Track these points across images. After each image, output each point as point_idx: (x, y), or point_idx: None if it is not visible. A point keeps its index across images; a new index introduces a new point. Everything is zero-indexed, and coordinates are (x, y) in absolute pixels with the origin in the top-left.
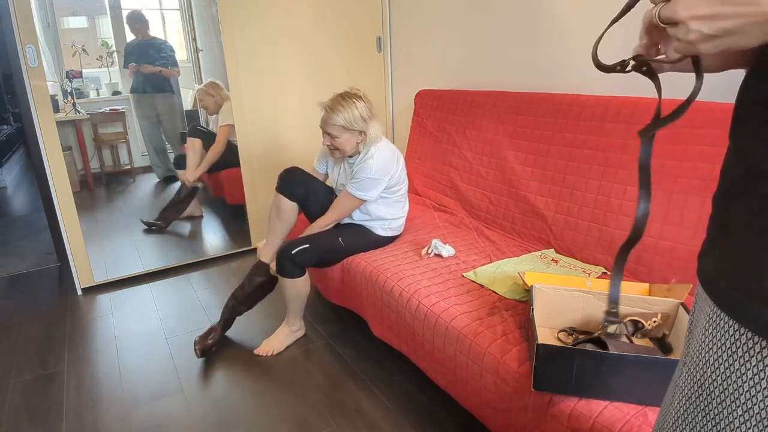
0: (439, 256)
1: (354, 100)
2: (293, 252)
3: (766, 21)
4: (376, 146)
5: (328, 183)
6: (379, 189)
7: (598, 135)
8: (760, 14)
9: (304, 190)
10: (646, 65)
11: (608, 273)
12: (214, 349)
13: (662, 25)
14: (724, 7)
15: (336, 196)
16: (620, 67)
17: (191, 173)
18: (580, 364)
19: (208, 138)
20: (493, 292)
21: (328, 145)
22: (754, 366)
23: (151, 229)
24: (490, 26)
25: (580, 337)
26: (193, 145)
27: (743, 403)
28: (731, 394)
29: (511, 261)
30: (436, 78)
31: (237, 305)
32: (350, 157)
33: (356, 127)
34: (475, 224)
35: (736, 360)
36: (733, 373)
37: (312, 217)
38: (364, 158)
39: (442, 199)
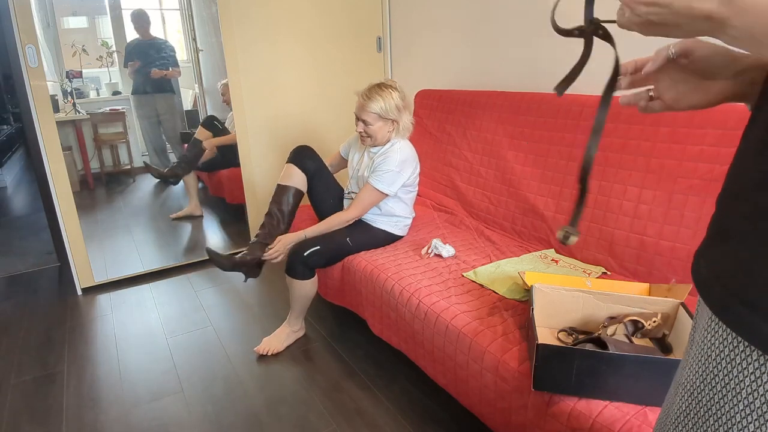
0: (439, 256)
1: (390, 90)
2: (305, 254)
3: (689, 20)
4: (400, 140)
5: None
6: (399, 183)
7: None
8: (674, 13)
9: (316, 166)
10: (602, 28)
11: (608, 273)
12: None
13: None
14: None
15: (342, 188)
16: (578, 31)
17: (208, 141)
18: (580, 364)
19: (218, 135)
20: (493, 291)
21: (360, 132)
22: (751, 374)
23: (163, 178)
24: (490, 26)
25: (580, 337)
26: (202, 134)
27: (745, 397)
28: (733, 389)
29: (511, 261)
30: (436, 78)
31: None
32: (374, 146)
33: (391, 116)
34: (475, 224)
35: (734, 368)
36: (732, 379)
37: (315, 200)
38: (388, 150)
39: (442, 199)
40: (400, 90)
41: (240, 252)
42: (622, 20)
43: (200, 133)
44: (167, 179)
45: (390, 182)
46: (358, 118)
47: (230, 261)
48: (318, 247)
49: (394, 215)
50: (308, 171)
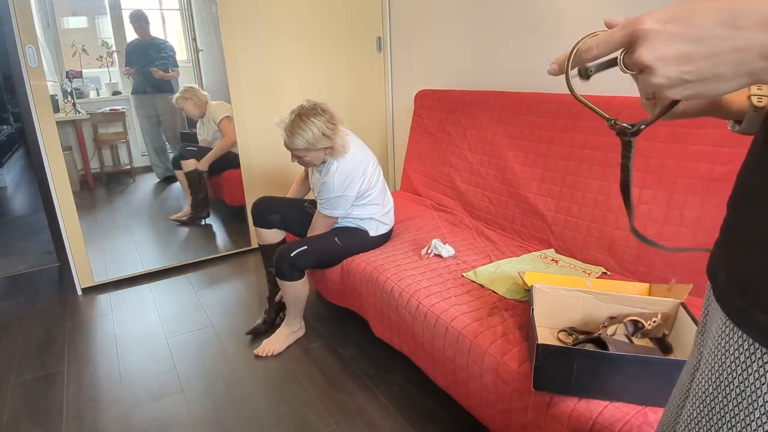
0: (438, 256)
1: (312, 118)
2: (292, 255)
3: (745, 60)
4: (340, 157)
5: None
6: (348, 202)
7: (598, 135)
8: (738, 49)
9: (279, 216)
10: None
11: (608, 273)
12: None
13: (628, 72)
14: (696, 46)
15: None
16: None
17: (200, 164)
18: (580, 364)
19: (202, 154)
20: (493, 292)
21: (297, 163)
22: None
23: (197, 223)
24: (490, 26)
25: (580, 337)
26: (190, 165)
27: (762, 405)
28: (749, 395)
29: (511, 261)
30: (436, 78)
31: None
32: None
33: (320, 146)
34: (475, 224)
35: (750, 374)
36: (748, 386)
37: (298, 234)
38: (326, 173)
39: (442, 199)
40: (325, 111)
41: (268, 312)
42: (649, 107)
43: (186, 166)
44: (201, 219)
45: (334, 207)
46: (290, 151)
47: (270, 323)
48: (305, 247)
49: (369, 218)
50: (275, 224)
